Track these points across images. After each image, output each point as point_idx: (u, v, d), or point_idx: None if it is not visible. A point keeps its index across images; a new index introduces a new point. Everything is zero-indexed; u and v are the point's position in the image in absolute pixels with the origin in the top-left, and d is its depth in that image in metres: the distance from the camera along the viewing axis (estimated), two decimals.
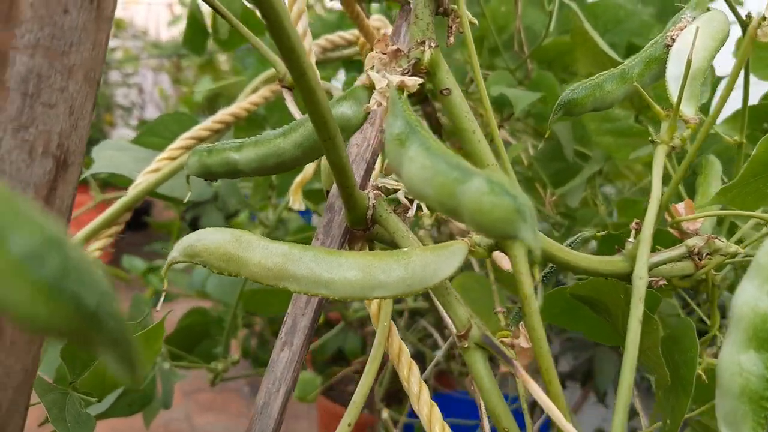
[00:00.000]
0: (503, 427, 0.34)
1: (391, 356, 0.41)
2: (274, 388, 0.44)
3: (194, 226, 2.55)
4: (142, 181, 0.60)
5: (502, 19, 1.08)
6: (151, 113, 4.16)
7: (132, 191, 0.59)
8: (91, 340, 0.11)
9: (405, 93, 0.32)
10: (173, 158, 0.56)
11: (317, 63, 0.61)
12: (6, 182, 0.25)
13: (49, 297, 0.11)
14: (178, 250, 0.36)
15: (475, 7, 1.02)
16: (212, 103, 1.82)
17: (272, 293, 0.90)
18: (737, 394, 0.30)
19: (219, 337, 1.04)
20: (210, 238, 0.35)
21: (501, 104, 0.96)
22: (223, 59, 2.52)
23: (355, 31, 0.65)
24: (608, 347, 1.49)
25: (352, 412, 0.39)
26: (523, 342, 0.35)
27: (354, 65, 0.97)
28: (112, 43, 4.10)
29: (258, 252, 0.33)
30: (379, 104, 0.33)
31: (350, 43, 0.67)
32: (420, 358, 1.45)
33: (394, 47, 0.33)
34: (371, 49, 0.62)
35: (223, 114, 0.58)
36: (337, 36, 0.65)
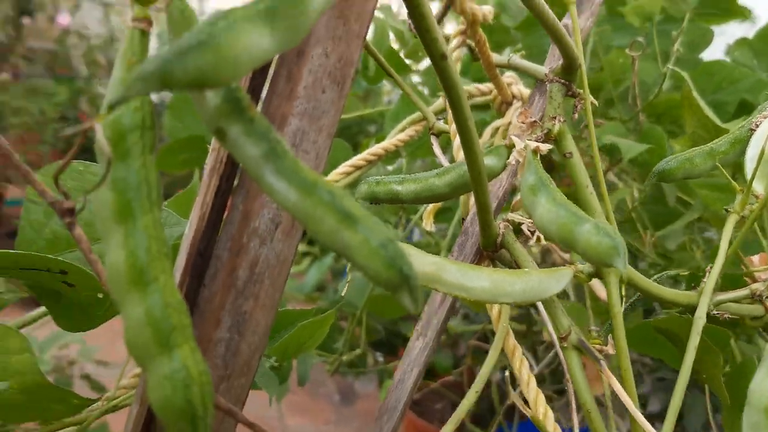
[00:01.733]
0: (587, 410, 0.45)
1: (508, 352, 0.53)
2: (409, 368, 0.57)
3: None
4: None
5: (619, 70, 1.17)
6: None
7: None
8: (401, 289, 0.24)
9: (537, 155, 0.45)
10: (335, 182, 0.70)
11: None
12: None
13: (389, 266, 0.24)
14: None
15: (596, 60, 1.12)
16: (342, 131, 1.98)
17: (390, 299, 1.03)
18: (762, 410, 0.40)
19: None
20: (423, 267, 0.48)
21: (611, 150, 1.06)
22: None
23: (490, 85, 0.77)
24: (698, 389, 1.53)
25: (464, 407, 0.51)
26: (609, 349, 0.46)
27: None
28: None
29: (418, 260, 0.46)
30: (517, 161, 0.45)
31: (484, 94, 0.79)
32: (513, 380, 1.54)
33: (532, 119, 0.45)
34: (501, 102, 0.74)
35: (377, 148, 0.72)
36: (475, 87, 0.77)
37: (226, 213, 0.40)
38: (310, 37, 0.38)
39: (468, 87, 0.78)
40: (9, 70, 3.71)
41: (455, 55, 0.60)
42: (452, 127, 0.60)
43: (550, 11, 0.43)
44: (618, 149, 0.96)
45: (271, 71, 0.39)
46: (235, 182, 0.40)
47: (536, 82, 0.55)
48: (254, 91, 0.40)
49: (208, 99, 0.27)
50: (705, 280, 0.49)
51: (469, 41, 0.62)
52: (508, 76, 0.76)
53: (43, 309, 0.60)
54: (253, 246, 0.39)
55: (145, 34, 0.28)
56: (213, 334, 0.40)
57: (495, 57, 0.62)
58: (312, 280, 1.92)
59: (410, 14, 0.36)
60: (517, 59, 0.55)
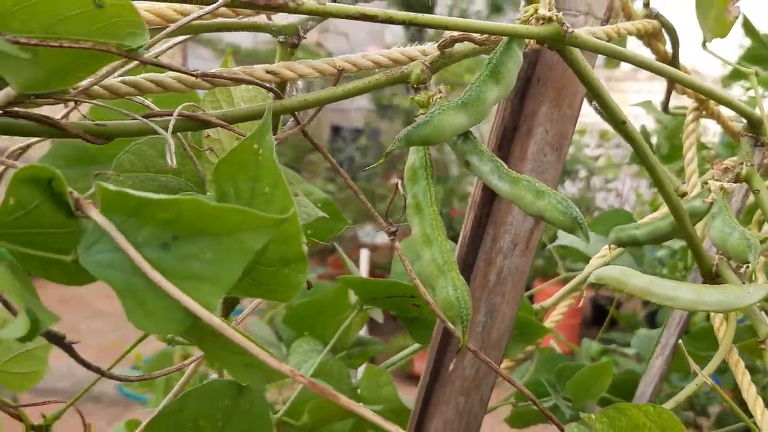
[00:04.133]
0: None
1: (731, 364, 0.62)
2: (650, 383, 0.69)
3: (651, 320, 2.72)
4: (594, 264, 0.90)
5: None
6: None
7: (586, 270, 0.89)
8: (576, 229, 0.42)
9: (724, 192, 0.56)
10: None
11: None
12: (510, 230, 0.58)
13: (566, 215, 0.42)
14: (594, 276, 0.65)
15: None
16: None
17: None
18: None
19: None
20: (610, 272, 0.63)
21: None
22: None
23: None
24: None
25: None
26: None
27: None
28: (596, 152, 4.56)
29: (634, 279, 0.60)
30: (714, 199, 0.57)
31: None
32: None
33: (723, 166, 0.57)
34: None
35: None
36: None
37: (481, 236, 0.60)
38: (535, 120, 0.58)
39: None
40: (397, 175, 4.53)
41: (690, 128, 0.72)
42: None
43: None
44: None
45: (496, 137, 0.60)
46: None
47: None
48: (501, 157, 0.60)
49: (459, 145, 0.48)
50: None
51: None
52: None
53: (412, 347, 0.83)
54: (499, 259, 0.59)
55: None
56: (475, 318, 0.60)
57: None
58: None
59: (592, 95, 0.53)
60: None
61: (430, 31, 5.25)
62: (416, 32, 5.88)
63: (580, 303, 0.66)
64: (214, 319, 0.31)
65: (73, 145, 0.62)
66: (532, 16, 0.46)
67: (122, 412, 3.33)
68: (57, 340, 0.35)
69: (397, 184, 0.47)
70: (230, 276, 0.32)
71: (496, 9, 5.69)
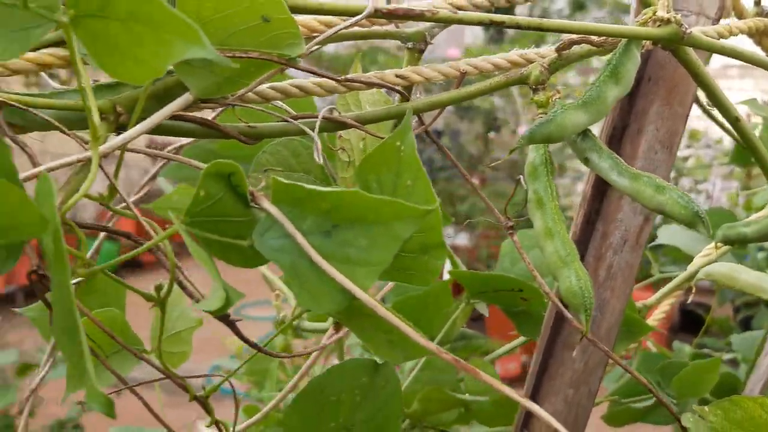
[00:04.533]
0: None
1: None
2: (759, 379, 0.69)
3: (746, 325, 2.63)
4: (697, 262, 0.89)
5: None
6: None
7: (690, 269, 0.89)
8: (696, 223, 0.44)
9: None
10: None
11: None
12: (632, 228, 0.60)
13: (687, 209, 0.44)
14: (703, 273, 0.65)
15: None
16: None
17: None
18: None
19: None
20: (719, 268, 0.64)
21: None
22: None
23: None
24: None
25: None
26: None
27: None
28: (685, 152, 4.43)
29: (744, 275, 0.61)
30: None
31: None
32: None
33: None
34: None
35: None
36: None
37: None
38: (646, 119, 0.59)
39: None
40: (477, 176, 4.51)
41: None
42: None
43: None
44: None
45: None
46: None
47: None
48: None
49: (578, 143, 0.50)
50: None
51: None
52: None
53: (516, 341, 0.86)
54: (608, 255, 0.61)
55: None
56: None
57: None
58: None
59: (706, 94, 0.54)
60: None
61: (510, 33, 5.23)
62: (495, 33, 5.85)
63: (690, 299, 0.67)
64: (370, 300, 0.35)
65: (202, 148, 0.67)
66: (650, 18, 0.48)
67: (216, 405, 3.46)
68: (224, 318, 0.39)
69: (518, 180, 0.50)
70: (383, 261, 0.35)
71: (579, 7, 5.58)
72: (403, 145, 0.39)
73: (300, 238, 0.35)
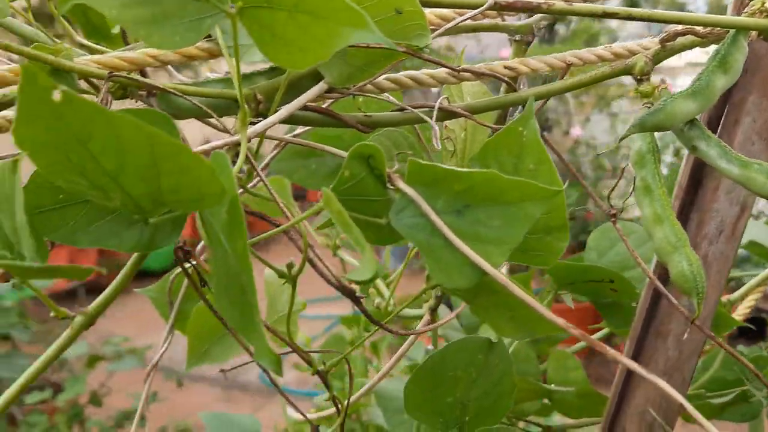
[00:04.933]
0: None
1: None
2: None
3: None
4: None
5: None
6: None
7: None
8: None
9: None
10: None
11: None
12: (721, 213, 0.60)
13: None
14: None
15: None
16: None
17: None
18: None
19: None
20: None
21: None
22: None
23: None
24: None
25: None
26: None
27: None
28: None
29: None
30: None
31: None
32: None
33: None
34: None
35: None
36: None
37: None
38: (742, 110, 0.60)
39: None
40: None
41: None
42: None
43: None
44: None
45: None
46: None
47: None
48: None
49: (685, 132, 0.51)
50: None
51: None
52: None
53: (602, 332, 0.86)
54: (703, 245, 0.61)
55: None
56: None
57: None
58: None
59: None
60: None
61: (561, 34, 5.20)
62: (547, 34, 5.81)
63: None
64: (501, 276, 0.37)
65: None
66: (758, 9, 0.48)
67: (266, 402, 3.52)
68: (349, 292, 0.41)
69: (623, 168, 0.51)
70: (514, 240, 0.37)
71: (632, 4, 5.51)
72: (526, 130, 0.41)
73: (434, 216, 0.37)
